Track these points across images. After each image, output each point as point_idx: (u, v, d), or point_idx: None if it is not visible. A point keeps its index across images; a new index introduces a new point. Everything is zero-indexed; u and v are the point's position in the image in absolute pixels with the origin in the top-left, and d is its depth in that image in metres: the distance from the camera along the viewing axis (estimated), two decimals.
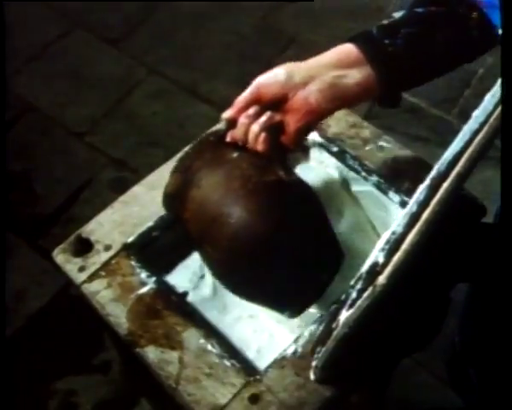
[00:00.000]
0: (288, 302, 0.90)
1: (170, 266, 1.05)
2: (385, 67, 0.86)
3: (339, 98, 0.88)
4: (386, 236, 0.72)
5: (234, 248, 0.84)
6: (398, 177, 1.09)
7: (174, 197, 0.92)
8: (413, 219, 0.69)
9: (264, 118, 0.88)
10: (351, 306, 0.74)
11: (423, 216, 0.69)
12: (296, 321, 0.96)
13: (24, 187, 1.76)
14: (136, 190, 1.10)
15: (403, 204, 1.06)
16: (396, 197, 1.07)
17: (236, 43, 2.07)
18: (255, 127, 0.88)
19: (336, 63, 0.87)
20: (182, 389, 0.88)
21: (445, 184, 0.68)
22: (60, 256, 1.03)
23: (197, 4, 2.15)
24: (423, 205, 0.69)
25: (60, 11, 2.17)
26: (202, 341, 0.92)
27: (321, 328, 0.88)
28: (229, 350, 0.92)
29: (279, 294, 0.88)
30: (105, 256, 1.02)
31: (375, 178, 1.09)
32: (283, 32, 2.08)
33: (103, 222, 1.06)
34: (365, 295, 0.72)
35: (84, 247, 1.02)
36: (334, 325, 0.77)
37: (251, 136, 0.89)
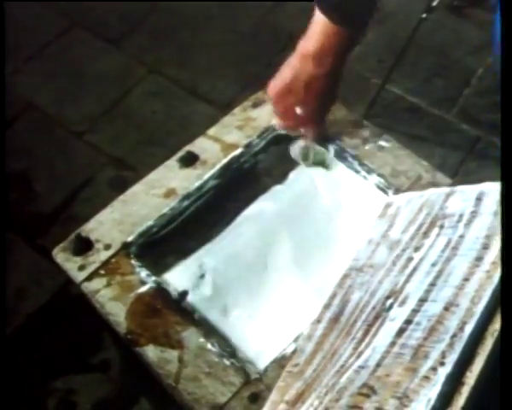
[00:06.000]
0: None
1: (169, 265, 1.05)
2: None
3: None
4: None
5: None
6: (398, 176, 1.09)
7: None
8: None
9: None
10: None
11: None
12: (295, 320, 0.96)
13: (23, 186, 1.75)
14: (136, 189, 1.10)
15: None
16: None
17: (236, 42, 2.07)
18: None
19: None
20: (181, 387, 0.88)
21: None
22: (60, 255, 1.03)
23: (197, 3, 2.15)
24: None
25: (59, 10, 2.16)
26: (202, 340, 0.92)
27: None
28: (229, 349, 0.92)
29: None
30: (105, 255, 1.02)
31: (374, 178, 1.09)
32: (283, 31, 2.07)
33: (103, 221, 1.06)
34: None
35: (83, 246, 1.03)
36: None
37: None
